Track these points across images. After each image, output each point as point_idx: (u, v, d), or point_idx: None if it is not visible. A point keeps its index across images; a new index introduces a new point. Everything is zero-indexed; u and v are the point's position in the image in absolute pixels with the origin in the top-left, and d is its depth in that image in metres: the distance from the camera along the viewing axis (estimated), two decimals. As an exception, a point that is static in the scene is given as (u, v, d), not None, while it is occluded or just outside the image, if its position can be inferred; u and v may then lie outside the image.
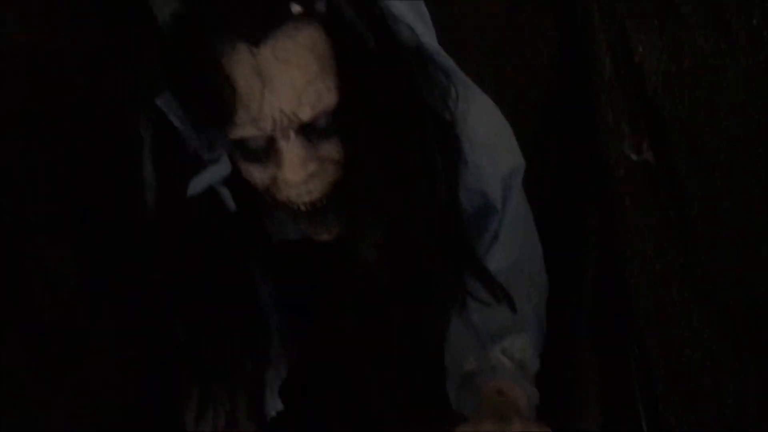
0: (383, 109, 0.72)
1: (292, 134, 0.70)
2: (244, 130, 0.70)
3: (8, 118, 0.92)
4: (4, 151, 0.92)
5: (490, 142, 0.84)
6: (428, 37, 0.85)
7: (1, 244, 0.93)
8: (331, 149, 0.72)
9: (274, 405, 0.89)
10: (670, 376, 0.87)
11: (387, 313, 0.80)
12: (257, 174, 0.73)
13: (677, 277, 0.89)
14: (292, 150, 0.70)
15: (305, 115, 0.69)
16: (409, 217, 0.75)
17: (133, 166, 0.85)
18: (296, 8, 0.66)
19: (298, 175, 0.70)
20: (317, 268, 0.85)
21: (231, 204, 0.74)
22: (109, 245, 0.93)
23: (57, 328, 0.93)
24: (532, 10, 0.99)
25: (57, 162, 0.95)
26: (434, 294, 0.80)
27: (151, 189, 0.80)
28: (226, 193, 0.74)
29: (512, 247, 0.90)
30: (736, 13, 0.93)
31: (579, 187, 0.98)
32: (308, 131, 0.71)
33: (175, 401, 0.84)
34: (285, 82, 0.68)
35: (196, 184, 0.72)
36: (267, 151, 0.72)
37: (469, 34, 0.97)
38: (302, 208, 0.74)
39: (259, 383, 0.82)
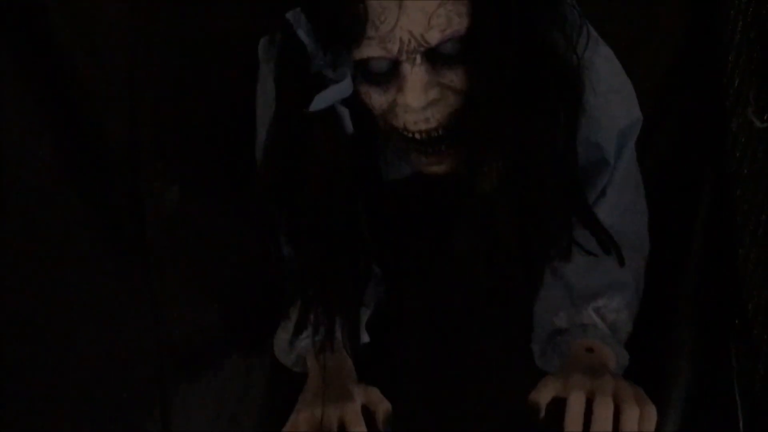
0: (511, 42, 0.71)
1: (418, 58, 0.70)
2: (371, 50, 0.70)
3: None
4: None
5: (611, 94, 0.82)
6: None
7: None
8: (453, 77, 0.72)
9: (362, 337, 0.90)
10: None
11: (493, 251, 0.80)
12: (377, 97, 0.73)
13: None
14: (415, 74, 0.70)
15: (433, 39, 0.69)
16: (526, 152, 0.74)
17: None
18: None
19: (419, 100, 0.70)
20: (426, 202, 0.85)
21: (349, 125, 0.75)
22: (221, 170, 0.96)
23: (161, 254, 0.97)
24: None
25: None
26: (544, 236, 0.79)
27: (268, 109, 0.82)
28: (345, 114, 0.74)
29: (619, 205, 0.88)
30: None
31: (696, 151, 0.95)
32: (433, 57, 0.71)
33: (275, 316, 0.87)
34: (417, 3, 0.68)
35: (319, 101, 0.73)
36: (389, 75, 0.72)
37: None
38: (417, 136, 0.74)
39: (357, 306, 0.83)
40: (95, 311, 0.95)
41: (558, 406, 0.79)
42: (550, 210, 0.78)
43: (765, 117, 0.88)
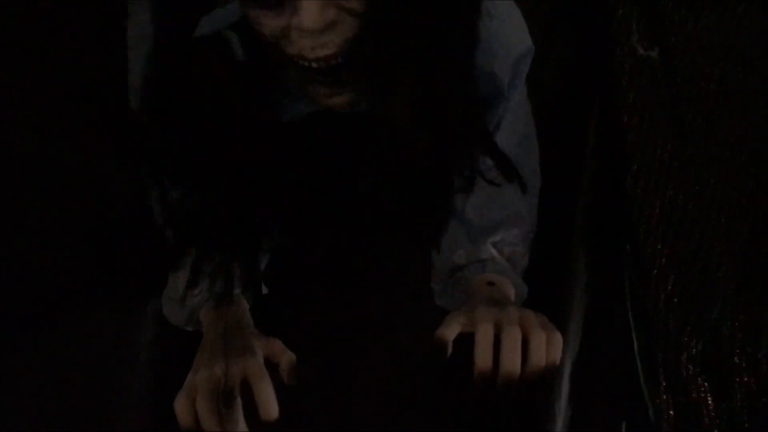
0: None
1: None
2: None
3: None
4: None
5: (504, 21, 0.81)
6: None
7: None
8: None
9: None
10: (661, 270, 0.88)
11: (395, 186, 0.77)
12: (269, 22, 0.68)
13: (675, 174, 0.89)
14: None
15: None
16: (426, 79, 0.72)
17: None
18: None
19: (315, 22, 0.66)
20: (327, 141, 0.81)
21: (239, 51, 0.69)
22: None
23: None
24: None
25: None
26: (447, 169, 0.77)
27: (142, 42, 0.75)
28: (234, 39, 0.69)
29: (512, 138, 0.88)
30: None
31: (584, 81, 0.97)
32: None
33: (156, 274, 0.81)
34: None
35: (204, 25, 0.67)
36: None
37: None
38: (314, 65, 0.70)
39: (256, 252, 0.79)
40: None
41: (465, 341, 0.78)
42: (454, 139, 0.76)
43: (646, 44, 0.90)
